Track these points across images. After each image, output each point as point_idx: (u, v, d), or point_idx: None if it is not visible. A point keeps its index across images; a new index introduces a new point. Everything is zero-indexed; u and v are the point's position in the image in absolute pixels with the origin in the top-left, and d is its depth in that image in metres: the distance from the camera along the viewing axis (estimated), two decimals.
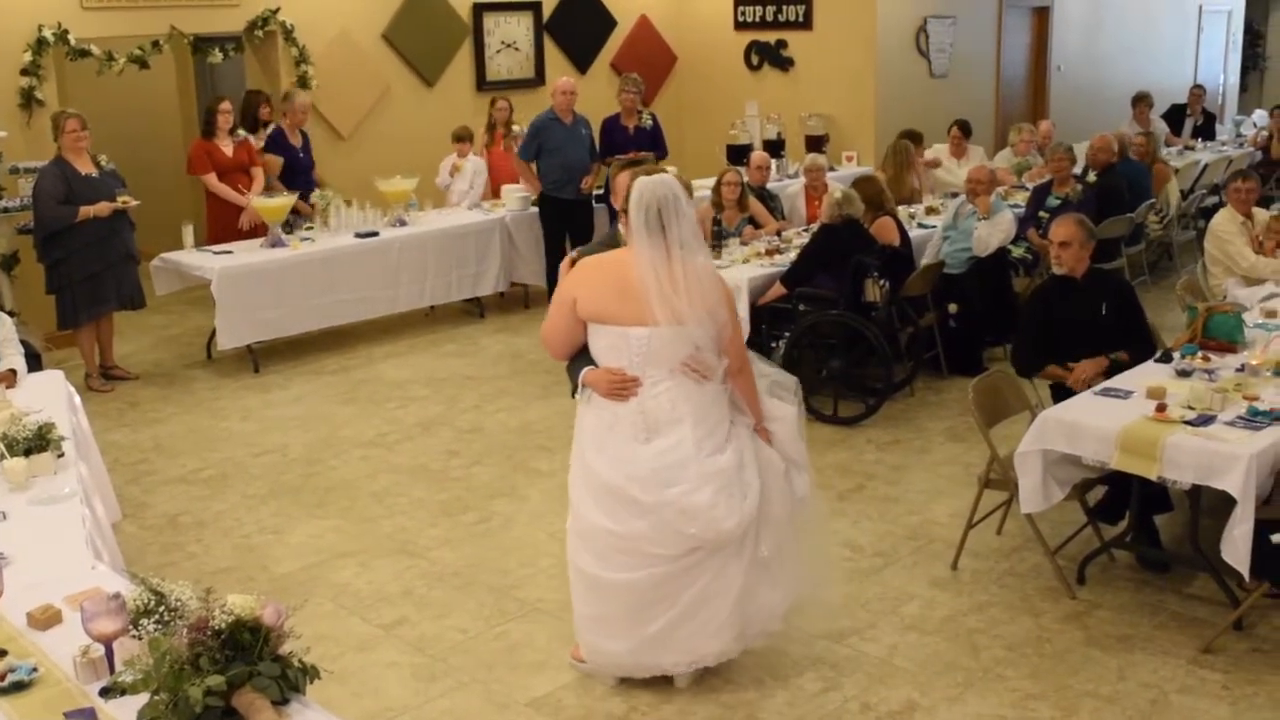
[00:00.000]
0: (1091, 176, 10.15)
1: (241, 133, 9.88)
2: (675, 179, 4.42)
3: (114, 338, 9.03)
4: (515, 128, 10.95)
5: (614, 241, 4.78)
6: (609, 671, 4.76)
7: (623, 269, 4.37)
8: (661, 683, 4.75)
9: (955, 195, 9.00)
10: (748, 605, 4.59)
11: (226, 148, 9.63)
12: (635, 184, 4.33)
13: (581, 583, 4.65)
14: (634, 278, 4.31)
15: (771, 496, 4.54)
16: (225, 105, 9.63)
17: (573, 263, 4.74)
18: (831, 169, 11.21)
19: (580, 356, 4.57)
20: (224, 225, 9.59)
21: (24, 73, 9.47)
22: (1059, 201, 9.43)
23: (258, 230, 9.55)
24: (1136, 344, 6.07)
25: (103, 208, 8.27)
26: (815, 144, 12.54)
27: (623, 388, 4.40)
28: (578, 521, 4.60)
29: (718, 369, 4.47)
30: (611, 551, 4.49)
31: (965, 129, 11.48)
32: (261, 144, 10.14)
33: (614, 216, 4.77)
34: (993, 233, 8.54)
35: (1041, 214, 9.45)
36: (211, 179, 9.54)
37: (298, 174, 10.14)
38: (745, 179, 9.60)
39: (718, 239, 8.72)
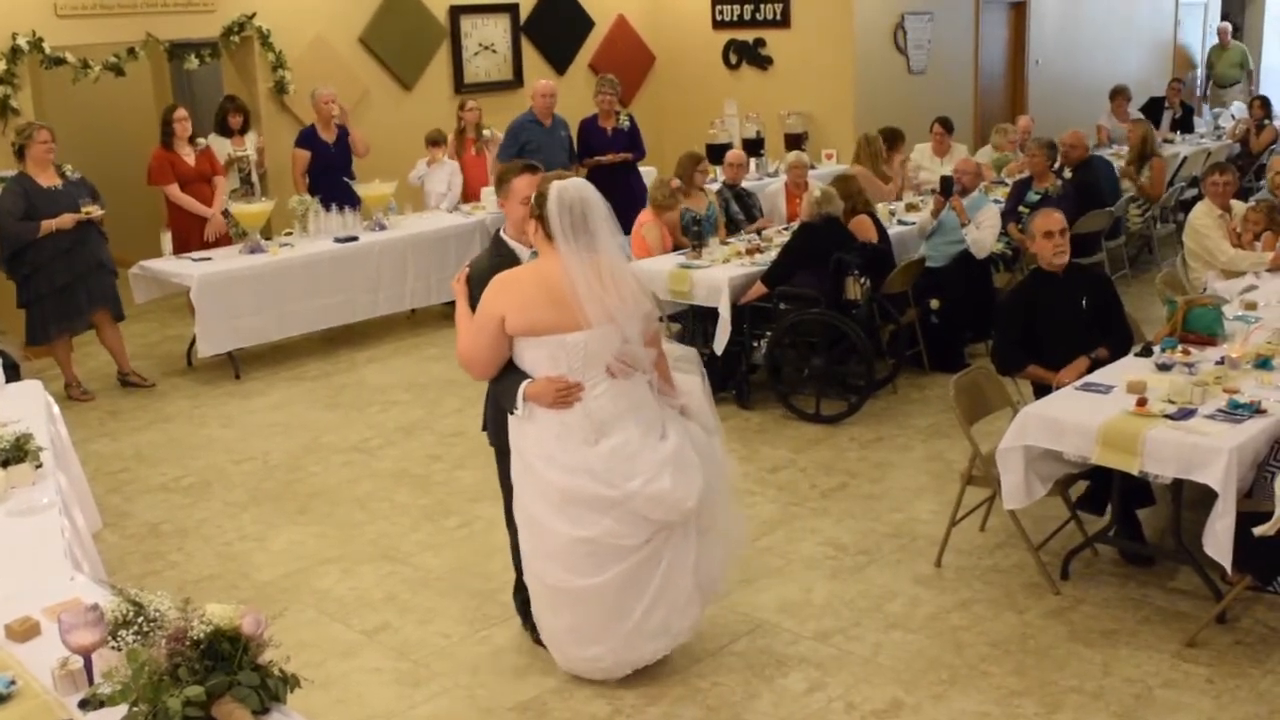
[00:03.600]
0: (1067, 173, 10.15)
1: (202, 141, 9.79)
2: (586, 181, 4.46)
3: (101, 346, 8.98)
4: (486, 132, 10.92)
5: (505, 252, 4.73)
6: (593, 677, 4.77)
7: (547, 277, 4.36)
8: (647, 684, 4.76)
9: (935, 192, 9.01)
10: (700, 573, 4.72)
11: (188, 157, 9.52)
12: (553, 188, 4.34)
13: (552, 599, 4.64)
14: (562, 283, 4.32)
15: (705, 467, 4.64)
16: (180, 113, 9.48)
17: (468, 279, 4.65)
18: (812, 167, 11.21)
19: (506, 372, 4.52)
20: (187, 235, 9.49)
21: None
22: (1039, 196, 9.45)
23: (221, 242, 9.51)
24: (1115, 338, 6.08)
25: (66, 220, 8.18)
26: (795, 142, 12.57)
27: (568, 395, 4.40)
28: (540, 541, 4.57)
29: (647, 360, 4.53)
30: (581, 558, 4.50)
31: (947, 125, 11.48)
32: (235, 150, 10.11)
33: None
34: (984, 234, 8.56)
35: (1022, 208, 9.47)
36: (173, 189, 9.43)
37: (329, 170, 10.10)
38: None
39: (697, 237, 8.71)
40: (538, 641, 5.05)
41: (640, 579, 4.56)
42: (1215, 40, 17.53)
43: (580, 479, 4.42)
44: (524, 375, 4.45)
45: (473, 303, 4.55)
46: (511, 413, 4.50)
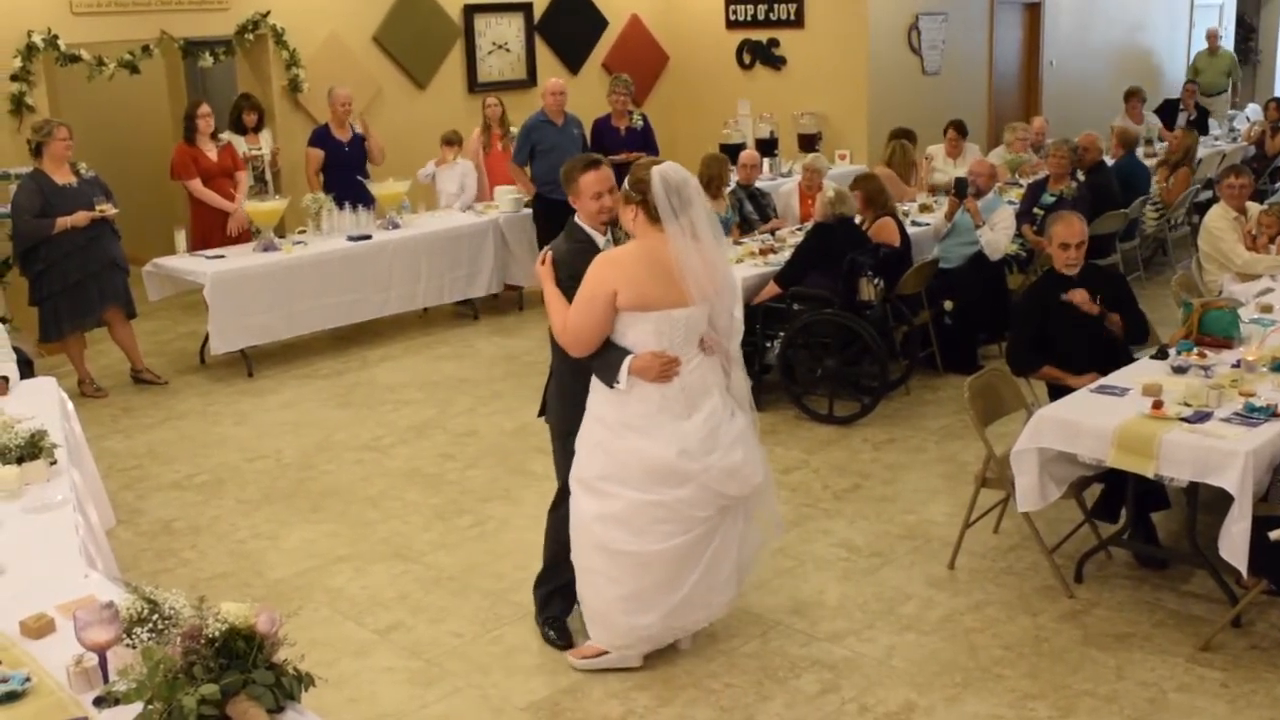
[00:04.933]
0: (1080, 175, 10.11)
1: (224, 137, 9.83)
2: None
3: (112, 343, 9.01)
4: (514, 129, 10.93)
5: (583, 237, 4.80)
6: (637, 649, 4.85)
7: (652, 255, 4.52)
8: (659, 685, 4.76)
9: (949, 193, 9.00)
10: (742, 552, 4.89)
11: (210, 152, 9.56)
12: (656, 174, 4.50)
13: (614, 565, 4.70)
14: (669, 261, 4.49)
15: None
16: (205, 109, 9.54)
17: (552, 261, 4.74)
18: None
19: (605, 349, 4.61)
20: (208, 231, 9.55)
21: (13, 78, 9.42)
22: (1054, 198, 9.42)
23: (245, 236, 9.54)
24: (1131, 323, 6.08)
25: (80, 218, 8.20)
26: (808, 142, 12.55)
27: (669, 369, 4.56)
28: (611, 505, 4.65)
29: (731, 337, 4.73)
30: (652, 523, 4.63)
31: (961, 129, 11.45)
32: (250, 148, 10.13)
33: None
34: (999, 235, 8.55)
35: (1036, 210, 9.45)
36: (196, 184, 9.48)
37: (341, 169, 10.16)
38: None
39: None
40: (549, 641, 5.07)
41: (697, 551, 4.70)
42: (1229, 41, 17.43)
43: (671, 451, 4.55)
44: (624, 351, 4.56)
45: (559, 285, 4.68)
46: (611, 386, 4.59)
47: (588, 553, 4.77)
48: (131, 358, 8.93)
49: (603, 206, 4.77)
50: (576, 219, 4.86)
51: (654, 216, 4.51)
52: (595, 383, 4.69)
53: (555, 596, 5.12)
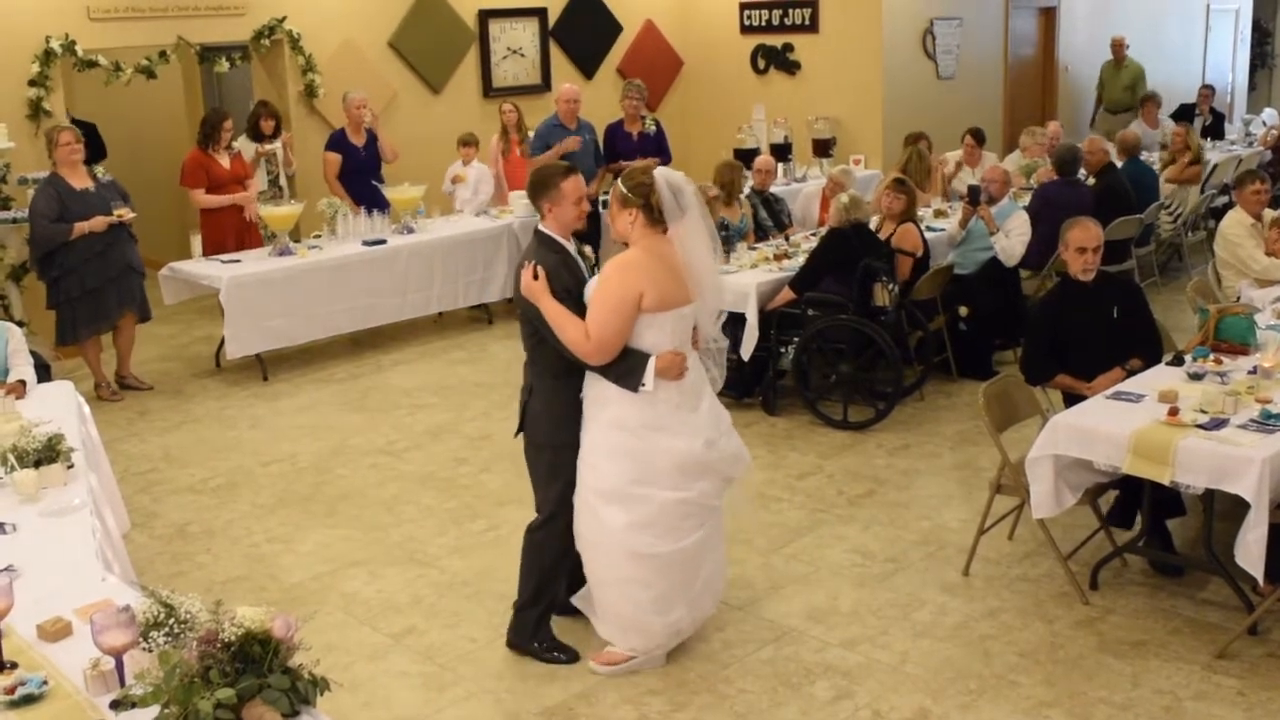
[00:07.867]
0: (1091, 181, 10.08)
1: (235, 145, 9.87)
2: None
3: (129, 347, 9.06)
4: (531, 133, 10.95)
5: (558, 248, 4.77)
6: (667, 646, 4.93)
7: (662, 254, 4.64)
8: (673, 691, 4.76)
9: (964, 199, 8.98)
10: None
11: (223, 160, 9.61)
12: (658, 176, 4.65)
13: (645, 570, 4.75)
14: (672, 259, 4.62)
15: None
16: (230, 124, 9.63)
17: (542, 273, 4.65)
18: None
19: (623, 354, 4.63)
20: (221, 238, 9.58)
21: (32, 84, 9.48)
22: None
23: (255, 238, 9.62)
24: (1145, 348, 6.03)
25: (98, 223, 8.25)
26: (822, 147, 12.54)
27: (684, 365, 4.68)
28: (639, 511, 4.71)
29: (714, 330, 4.95)
30: (680, 519, 4.76)
31: (979, 137, 11.40)
32: (265, 145, 10.18)
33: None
34: (1014, 242, 8.53)
35: None
36: (200, 194, 9.50)
37: (357, 173, 10.23)
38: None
39: (726, 242, 8.69)
40: (557, 662, 4.99)
41: (710, 540, 4.89)
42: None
43: (698, 443, 4.70)
44: (643, 354, 4.63)
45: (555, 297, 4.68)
46: (636, 390, 4.63)
47: (620, 563, 4.78)
48: (122, 362, 8.90)
49: (581, 212, 4.85)
50: (543, 228, 4.80)
51: (655, 219, 4.63)
52: (601, 391, 4.70)
53: (544, 619, 5.06)
